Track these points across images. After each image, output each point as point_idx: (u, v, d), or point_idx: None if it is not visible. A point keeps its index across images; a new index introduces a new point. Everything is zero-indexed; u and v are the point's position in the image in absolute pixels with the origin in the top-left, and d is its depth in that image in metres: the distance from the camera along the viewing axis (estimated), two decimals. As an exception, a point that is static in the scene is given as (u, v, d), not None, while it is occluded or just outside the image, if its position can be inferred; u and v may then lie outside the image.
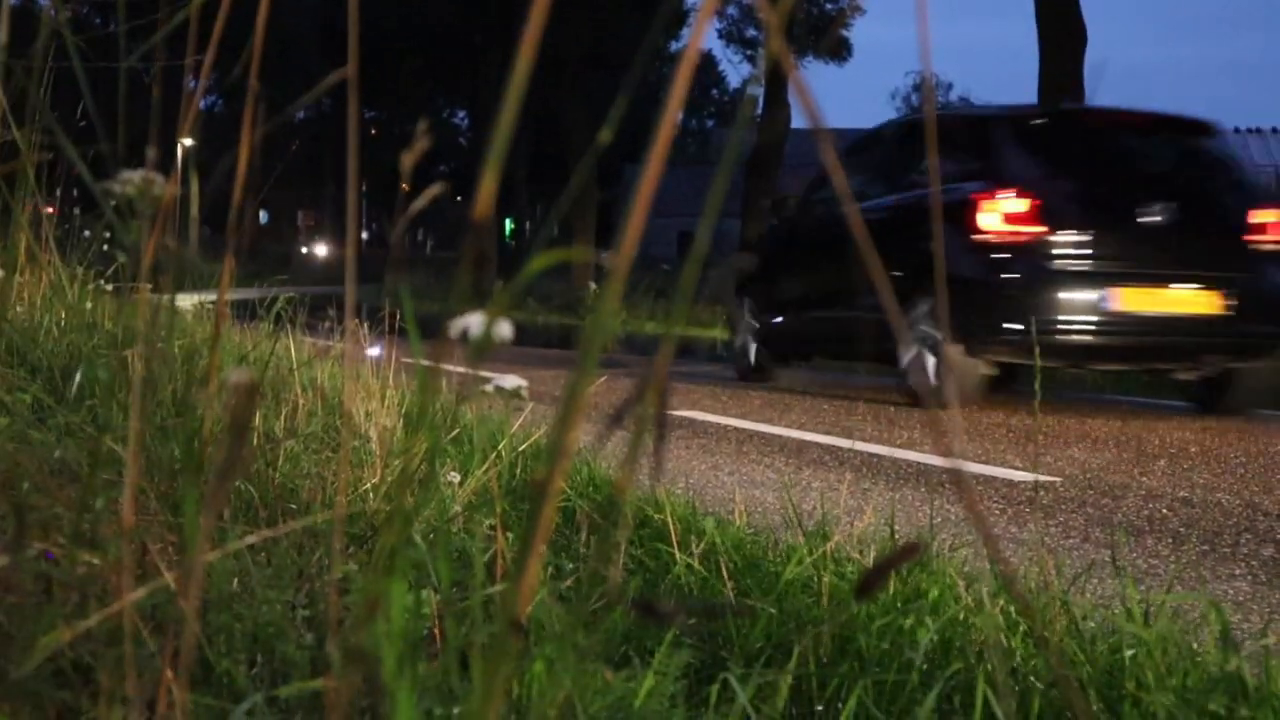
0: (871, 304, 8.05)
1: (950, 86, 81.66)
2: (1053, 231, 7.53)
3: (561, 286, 28.35)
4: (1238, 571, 3.47)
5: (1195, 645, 1.99)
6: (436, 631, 1.74)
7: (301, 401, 3.23)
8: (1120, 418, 7.68)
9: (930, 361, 7.88)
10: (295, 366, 3.55)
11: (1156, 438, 6.59)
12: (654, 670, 1.70)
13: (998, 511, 4.35)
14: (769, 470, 5.22)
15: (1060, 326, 7.39)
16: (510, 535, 2.24)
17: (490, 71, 35.98)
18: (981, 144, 8.12)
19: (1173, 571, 3.31)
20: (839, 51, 39.22)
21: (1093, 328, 7.45)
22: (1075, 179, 7.91)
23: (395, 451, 2.70)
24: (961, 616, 2.14)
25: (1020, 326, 7.31)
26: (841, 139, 9.61)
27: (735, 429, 6.69)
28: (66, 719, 1.30)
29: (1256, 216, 7.84)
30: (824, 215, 9.56)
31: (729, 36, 39.65)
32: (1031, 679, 1.96)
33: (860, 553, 2.60)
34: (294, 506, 2.38)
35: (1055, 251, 7.51)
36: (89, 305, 3.90)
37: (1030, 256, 7.50)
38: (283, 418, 3.11)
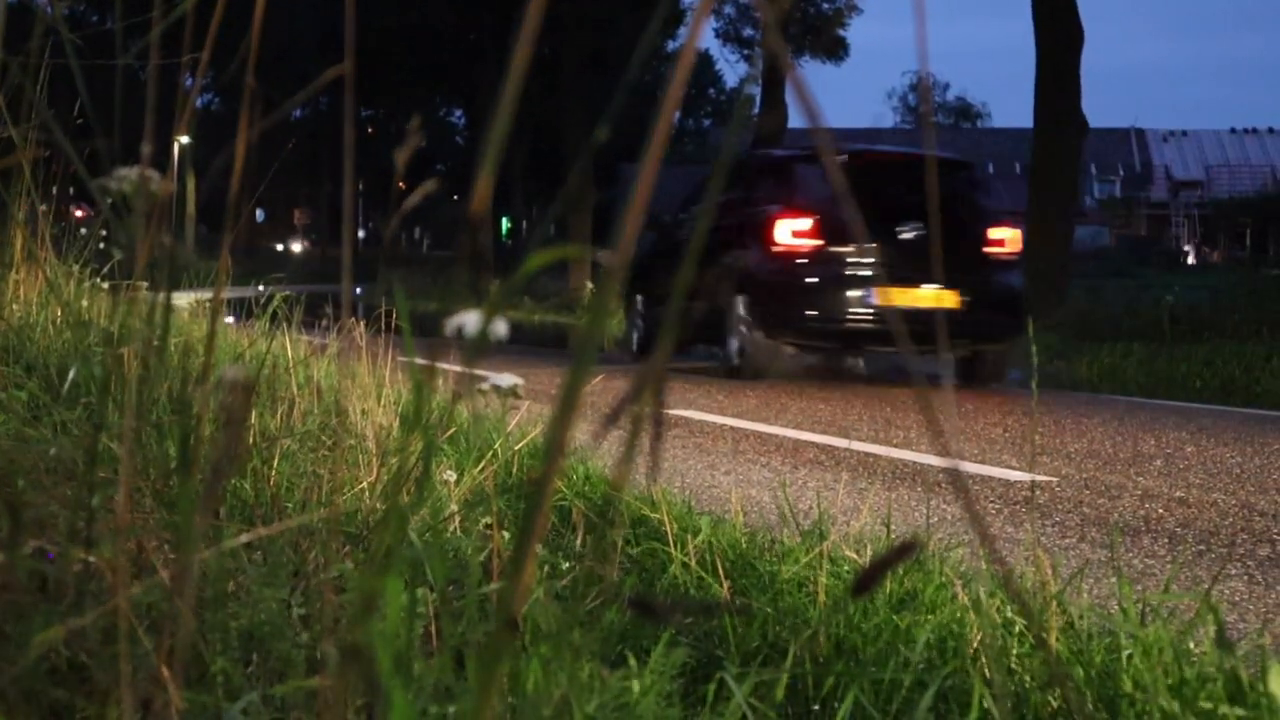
0: (709, 301, 10.48)
1: (947, 87, 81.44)
2: (829, 244, 9.71)
3: (558, 285, 28.37)
4: (1234, 571, 3.48)
5: (1191, 645, 1.99)
6: (432, 630, 1.74)
7: (297, 400, 3.22)
8: (1117, 418, 7.70)
9: (747, 345, 10.07)
10: (291, 365, 3.54)
11: (1153, 438, 6.60)
12: (650, 669, 1.70)
13: (994, 511, 4.35)
14: (765, 470, 5.22)
15: (835, 317, 9.68)
16: (506, 534, 2.24)
17: (487, 70, 35.97)
18: (784, 177, 10.50)
19: (1169, 571, 3.32)
20: (836, 51, 39.13)
21: (859, 318, 9.69)
22: (851, 203, 9.87)
23: (391, 450, 2.70)
24: (958, 616, 2.14)
25: (803, 316, 9.70)
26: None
27: (732, 428, 6.69)
28: (62, 717, 1.29)
29: (994, 233, 10.18)
30: (683, 231, 12.04)
31: (726, 36, 39.59)
32: (1028, 679, 1.97)
33: (856, 552, 2.60)
34: (290, 505, 2.38)
35: (831, 259, 9.69)
36: (85, 303, 3.89)
37: (811, 263, 9.73)
38: (279, 416, 3.10)
